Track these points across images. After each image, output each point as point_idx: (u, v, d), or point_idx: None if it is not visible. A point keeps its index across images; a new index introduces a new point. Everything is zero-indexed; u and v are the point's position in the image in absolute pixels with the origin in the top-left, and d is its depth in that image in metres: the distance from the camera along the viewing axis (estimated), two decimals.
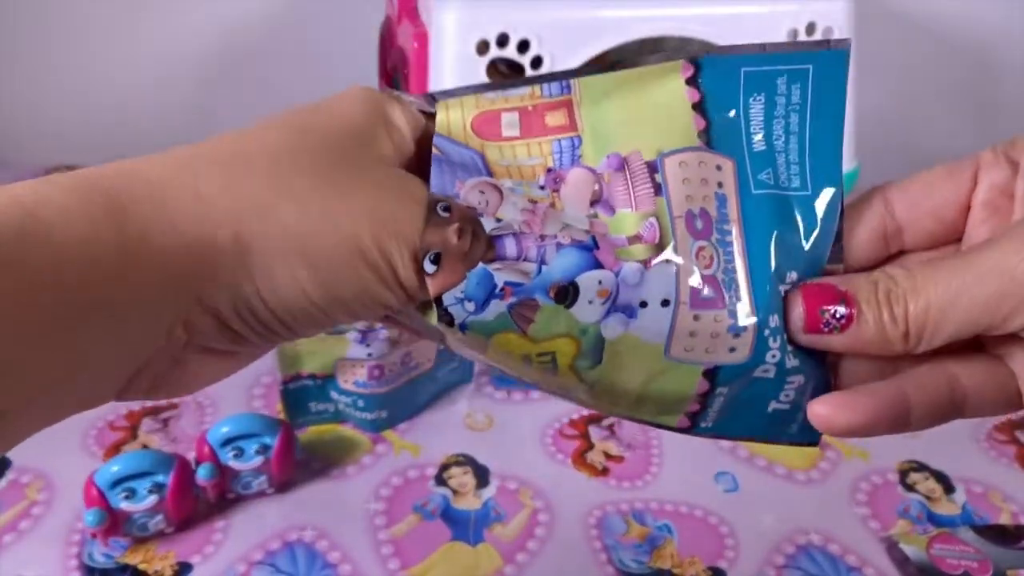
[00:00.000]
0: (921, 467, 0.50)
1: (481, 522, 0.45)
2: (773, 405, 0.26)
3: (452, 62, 0.50)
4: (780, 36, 0.54)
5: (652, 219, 0.25)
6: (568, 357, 0.25)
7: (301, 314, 0.22)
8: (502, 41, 0.50)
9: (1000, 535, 0.45)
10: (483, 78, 0.50)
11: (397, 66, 0.56)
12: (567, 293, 0.25)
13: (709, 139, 0.26)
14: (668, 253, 0.25)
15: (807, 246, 0.25)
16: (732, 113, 0.26)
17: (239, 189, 0.22)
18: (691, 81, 0.26)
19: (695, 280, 0.25)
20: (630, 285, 0.25)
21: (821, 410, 0.24)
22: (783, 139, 0.26)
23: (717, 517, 0.46)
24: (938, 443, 0.51)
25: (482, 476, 0.48)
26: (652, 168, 0.26)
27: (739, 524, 0.46)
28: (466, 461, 0.49)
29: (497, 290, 0.24)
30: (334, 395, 0.49)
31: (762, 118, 0.26)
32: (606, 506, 0.47)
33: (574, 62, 0.51)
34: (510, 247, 0.25)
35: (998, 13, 0.79)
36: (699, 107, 0.26)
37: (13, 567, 0.42)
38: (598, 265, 0.25)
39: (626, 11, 0.52)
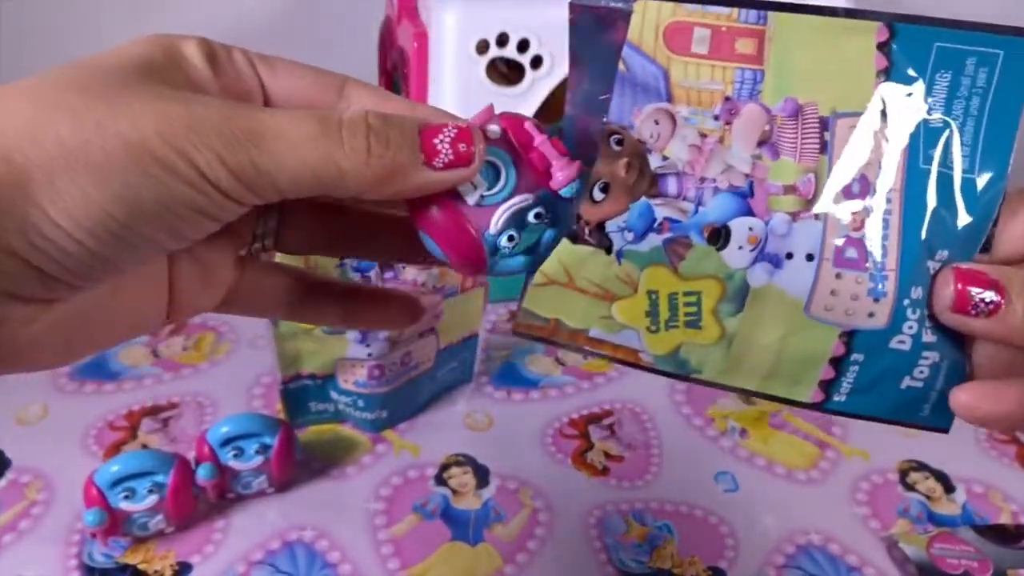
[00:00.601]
0: (921, 467, 0.50)
1: (481, 522, 0.45)
2: (906, 382, 0.26)
3: (452, 62, 0.50)
4: None
5: (811, 175, 0.26)
6: (713, 299, 0.27)
7: (105, 234, 0.20)
8: (502, 41, 0.50)
9: (1000, 535, 0.45)
10: (483, 78, 0.50)
11: (397, 66, 0.56)
12: (719, 235, 0.26)
13: (885, 108, 0.26)
14: (818, 208, 0.26)
15: (961, 228, 0.26)
16: (915, 85, 0.26)
17: (5, 116, 0.21)
18: (882, 47, 0.26)
19: (840, 239, 0.26)
20: (778, 235, 0.26)
21: (965, 397, 0.24)
22: (960, 120, 0.26)
23: (717, 517, 0.46)
24: (938, 443, 0.51)
25: (482, 476, 0.48)
26: (823, 125, 0.26)
27: (739, 524, 0.46)
28: (466, 461, 0.49)
29: (656, 224, 0.26)
30: (334, 395, 0.49)
31: (944, 96, 0.26)
32: (606, 506, 0.47)
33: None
34: (672, 186, 0.26)
35: (998, 13, 0.79)
36: (884, 74, 0.26)
37: (13, 567, 0.42)
38: (750, 213, 0.26)
39: None
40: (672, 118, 0.27)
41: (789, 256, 0.26)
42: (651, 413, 0.53)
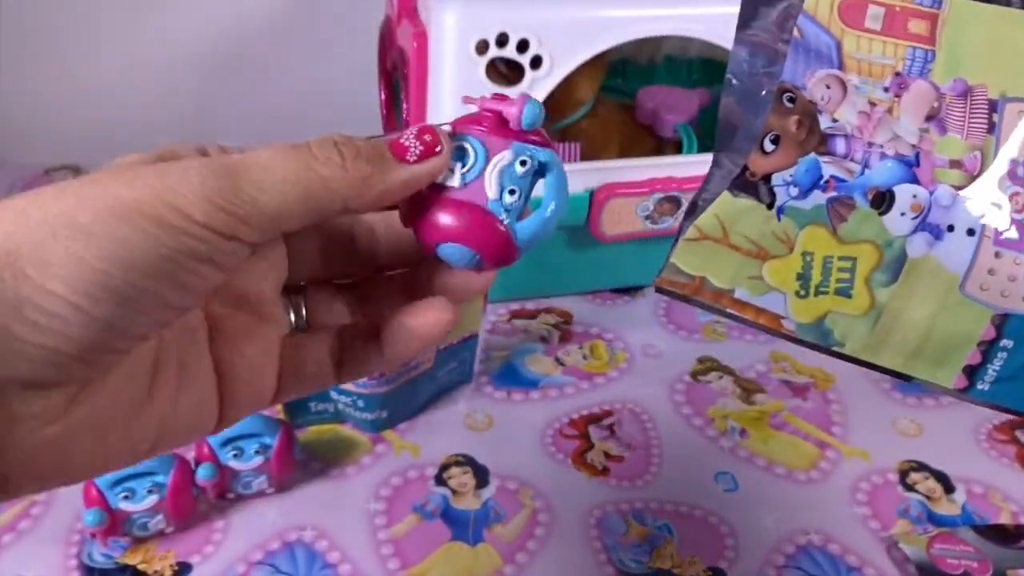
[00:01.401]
0: (921, 467, 0.50)
1: (481, 522, 0.45)
2: None
3: (452, 62, 0.50)
4: None
5: (977, 152, 0.26)
6: (868, 266, 0.27)
7: (103, 293, 0.19)
8: (502, 41, 0.50)
9: (1000, 535, 0.45)
10: (483, 78, 0.50)
11: (397, 66, 0.56)
12: (883, 199, 0.27)
13: None
14: (982, 186, 0.26)
15: None
16: None
17: None
18: None
19: (1002, 220, 0.26)
20: (942, 206, 0.26)
21: None
22: None
23: (717, 517, 0.46)
24: (938, 443, 0.52)
25: (482, 476, 0.48)
26: (992, 107, 0.27)
27: (739, 524, 0.46)
28: (466, 461, 0.49)
29: (822, 181, 0.27)
30: (334, 395, 0.49)
31: None
32: (606, 506, 0.47)
33: (574, 62, 0.51)
34: (840, 146, 0.27)
35: None
36: None
37: (13, 567, 0.42)
38: (915, 181, 0.27)
39: (626, 11, 0.52)
40: (843, 84, 0.28)
41: (950, 228, 0.26)
42: (651, 413, 0.53)
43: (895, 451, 0.51)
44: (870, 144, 0.27)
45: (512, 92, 0.50)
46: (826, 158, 0.27)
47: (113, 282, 0.20)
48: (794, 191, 0.27)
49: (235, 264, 0.22)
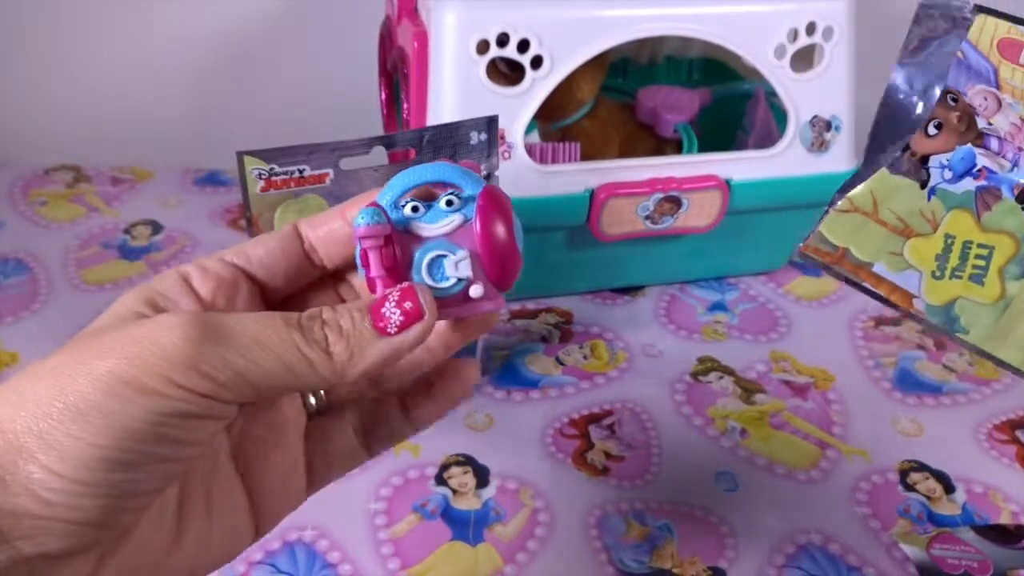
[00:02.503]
0: (921, 467, 0.50)
1: (481, 522, 0.45)
2: None
3: (452, 62, 0.50)
4: (780, 36, 0.54)
5: None
6: (1004, 257, 0.30)
7: (103, 464, 0.21)
8: (502, 41, 0.50)
9: (1000, 535, 0.45)
10: (483, 78, 0.50)
11: (397, 66, 0.56)
12: None
13: None
14: None
15: None
16: None
17: None
18: None
19: None
20: None
21: None
22: None
23: (717, 517, 0.46)
24: (938, 443, 0.52)
25: (482, 476, 0.48)
26: None
27: (739, 524, 0.46)
28: (466, 461, 0.49)
29: (975, 169, 0.30)
30: None
31: None
32: (606, 506, 0.47)
33: (574, 62, 0.51)
34: (994, 144, 0.31)
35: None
36: None
37: None
38: None
39: (626, 11, 0.52)
40: (998, 100, 0.31)
41: None
42: (651, 413, 0.53)
43: (895, 451, 0.51)
44: (1020, 148, 0.30)
45: (513, 92, 0.51)
46: (980, 150, 0.31)
47: (111, 454, 0.21)
48: (948, 174, 0.30)
49: (229, 415, 0.23)
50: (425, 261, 0.25)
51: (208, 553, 0.25)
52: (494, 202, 0.25)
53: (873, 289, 0.31)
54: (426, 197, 0.26)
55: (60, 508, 0.20)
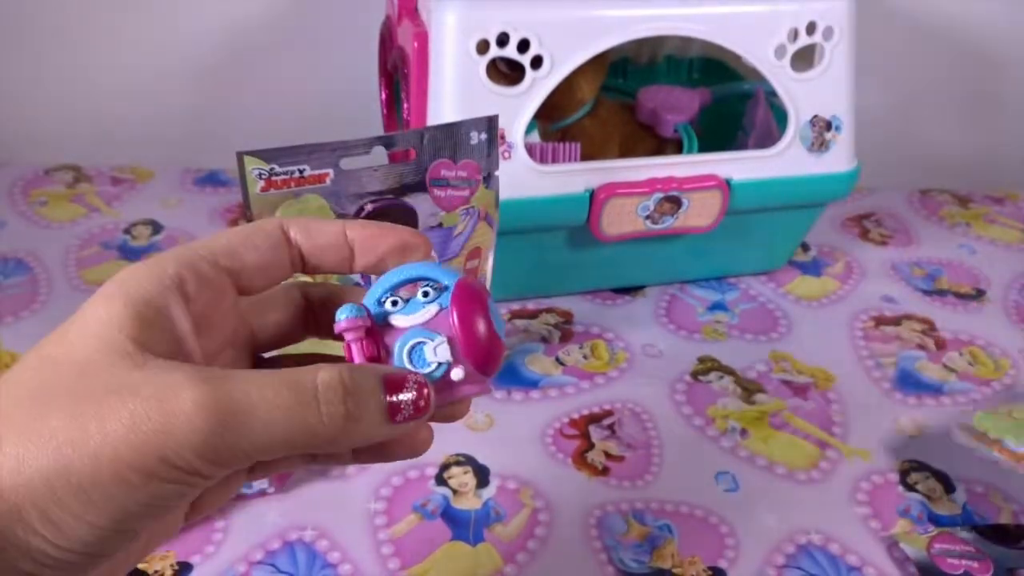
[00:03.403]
0: (921, 467, 0.50)
1: (481, 522, 0.45)
2: None
3: (452, 62, 0.50)
4: (780, 36, 0.54)
5: None
6: None
7: (99, 537, 0.22)
8: (502, 41, 0.50)
9: (1001, 535, 0.45)
10: (483, 78, 0.50)
11: (397, 66, 0.56)
12: None
13: None
14: None
15: None
16: None
17: None
18: None
19: None
20: None
21: None
22: None
23: (717, 517, 0.46)
24: (938, 443, 0.52)
25: (482, 476, 0.48)
26: None
27: (739, 524, 0.46)
28: (466, 461, 0.49)
29: None
30: None
31: None
32: (606, 506, 0.47)
33: (574, 62, 0.51)
34: None
35: (998, 13, 0.79)
36: None
37: None
38: None
39: (626, 11, 0.52)
40: None
41: None
42: (651, 413, 0.53)
43: (895, 451, 0.51)
44: None
45: (513, 92, 0.51)
46: None
47: (108, 531, 0.22)
48: None
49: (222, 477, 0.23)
50: (405, 349, 0.25)
51: (147, 545, 0.26)
52: (469, 289, 0.26)
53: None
54: (407, 295, 0.27)
55: (51, 571, 0.22)
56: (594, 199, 0.53)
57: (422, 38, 0.51)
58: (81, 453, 0.21)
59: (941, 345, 0.60)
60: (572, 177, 0.54)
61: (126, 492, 0.21)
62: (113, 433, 0.21)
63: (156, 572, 0.42)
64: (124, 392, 0.22)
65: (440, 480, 0.47)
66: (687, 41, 0.72)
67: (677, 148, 0.62)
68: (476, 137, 0.43)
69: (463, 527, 0.45)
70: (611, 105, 0.63)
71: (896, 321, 0.63)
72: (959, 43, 0.81)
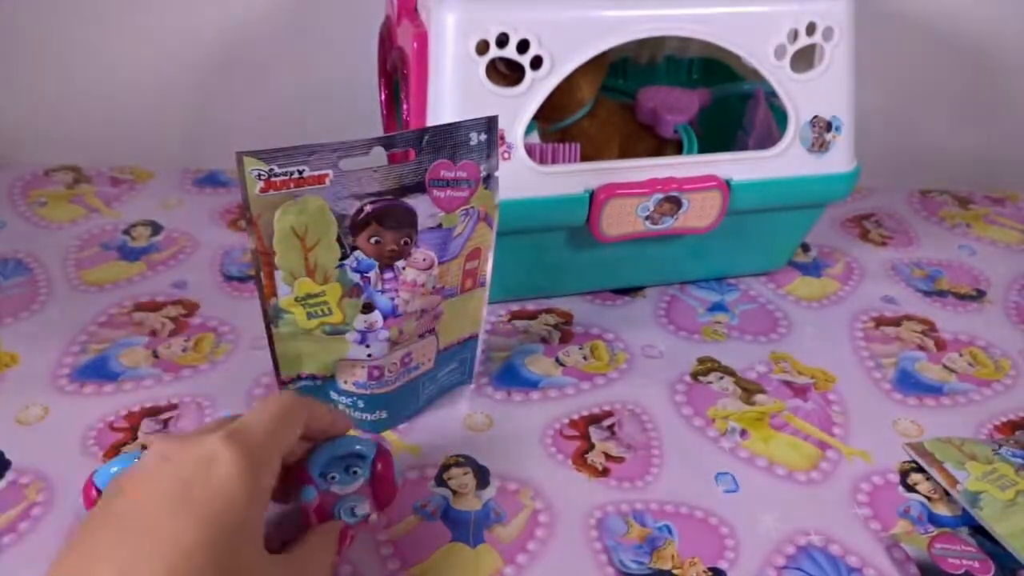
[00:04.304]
0: (922, 468, 0.50)
1: (481, 523, 0.45)
2: None
3: (452, 62, 0.50)
4: (780, 36, 0.54)
5: None
6: None
7: None
8: (502, 41, 0.50)
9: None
10: (483, 78, 0.50)
11: (397, 66, 0.56)
12: None
13: None
14: None
15: None
16: None
17: None
18: None
19: None
20: None
21: None
22: None
23: (717, 518, 0.46)
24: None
25: (482, 477, 0.48)
26: None
27: (739, 525, 0.46)
28: (466, 462, 0.49)
29: None
30: (334, 395, 0.49)
31: None
32: (606, 507, 0.47)
33: (574, 62, 0.51)
34: None
35: (998, 13, 0.79)
36: None
37: (13, 568, 0.42)
38: None
39: (626, 11, 0.52)
40: None
41: None
42: (651, 414, 0.53)
43: (896, 452, 0.51)
44: None
45: (513, 92, 0.50)
46: None
47: None
48: None
49: None
50: (342, 510, 0.40)
51: None
52: (383, 461, 0.42)
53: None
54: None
55: None
56: (594, 199, 0.53)
57: (422, 38, 0.51)
58: None
59: (941, 346, 0.60)
60: (572, 177, 0.54)
61: None
62: None
63: None
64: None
65: (440, 481, 0.47)
66: (687, 41, 0.72)
67: (677, 148, 0.62)
68: (475, 138, 0.43)
69: (463, 528, 0.45)
70: (611, 105, 0.63)
71: (896, 322, 0.63)
72: (959, 43, 0.81)
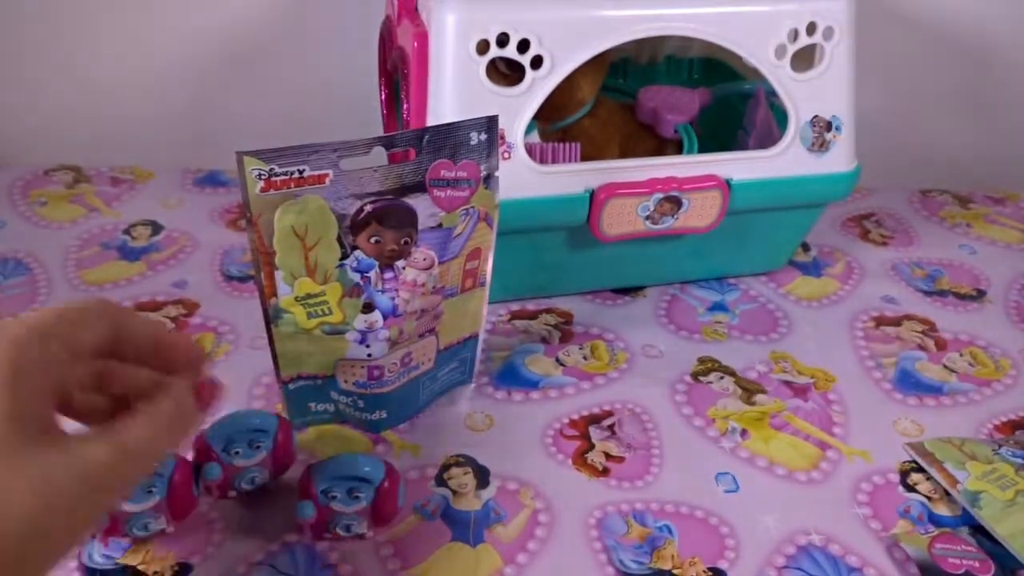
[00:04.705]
0: (922, 468, 0.50)
1: (481, 522, 0.45)
2: None
3: (452, 62, 0.50)
4: (780, 36, 0.54)
5: None
6: None
7: None
8: (502, 41, 0.50)
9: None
10: (483, 78, 0.50)
11: (397, 66, 0.56)
12: None
13: None
14: None
15: None
16: None
17: None
18: None
19: None
20: None
21: None
22: None
23: (718, 518, 0.46)
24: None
25: (482, 476, 0.48)
26: None
27: (740, 525, 0.46)
28: (466, 461, 0.49)
29: None
30: (334, 395, 0.49)
31: None
32: (606, 506, 0.47)
33: (575, 62, 0.51)
34: None
35: (998, 13, 0.79)
36: None
37: None
38: None
39: (626, 11, 0.52)
40: None
41: None
42: (652, 414, 0.53)
43: (896, 452, 0.51)
44: None
45: (513, 92, 0.50)
46: None
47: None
48: None
49: None
50: (338, 527, 0.43)
51: None
52: (389, 482, 0.43)
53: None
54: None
55: None
56: (594, 199, 0.53)
57: (422, 38, 0.51)
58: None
59: (941, 346, 0.60)
60: (572, 177, 0.54)
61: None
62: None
63: (156, 573, 0.42)
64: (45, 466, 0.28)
65: (440, 481, 0.47)
66: (687, 41, 0.72)
67: (677, 148, 0.62)
68: (476, 137, 0.43)
69: (463, 528, 0.45)
70: (611, 105, 0.63)
71: (896, 321, 0.63)
72: (959, 43, 0.81)
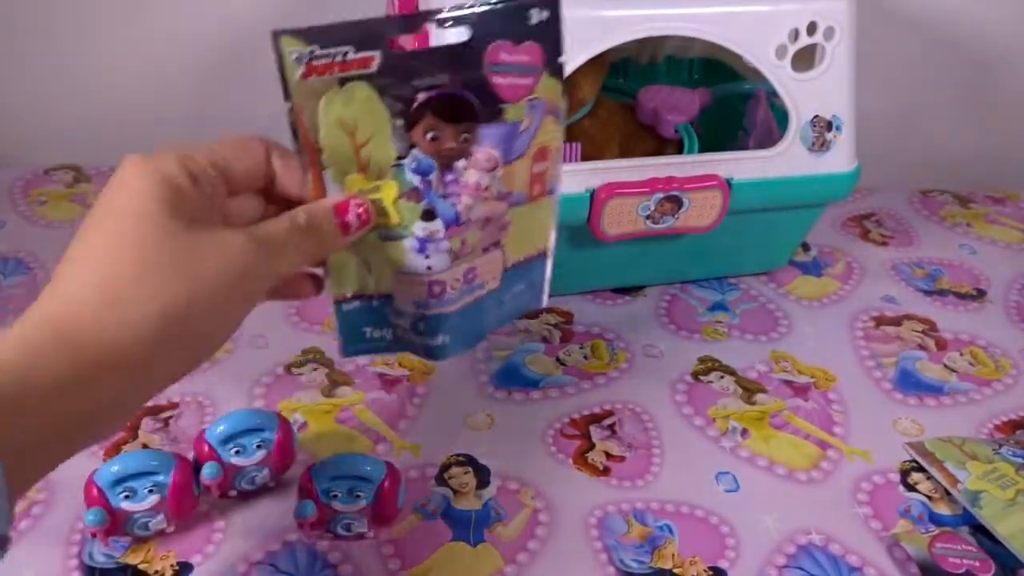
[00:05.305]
0: (922, 467, 0.50)
1: (482, 522, 0.45)
2: None
3: None
4: (781, 36, 0.54)
5: None
6: None
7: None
8: None
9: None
10: None
11: None
12: None
13: None
14: None
15: None
16: None
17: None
18: None
19: None
20: None
21: None
22: None
23: (718, 517, 0.46)
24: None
25: (483, 476, 0.48)
26: None
27: (740, 524, 0.46)
28: (466, 461, 0.49)
29: None
30: (392, 318, 0.42)
31: None
32: (607, 506, 0.47)
33: (574, 62, 0.51)
34: None
35: (998, 14, 0.79)
36: None
37: (13, 567, 0.42)
38: None
39: (627, 11, 0.52)
40: None
41: None
42: (652, 413, 0.53)
43: (896, 451, 0.51)
44: None
45: None
46: None
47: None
48: None
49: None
50: (339, 526, 0.43)
51: None
52: (390, 482, 0.43)
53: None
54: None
55: None
56: (594, 199, 0.53)
57: (422, 39, 0.51)
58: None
59: (942, 345, 0.60)
60: (572, 177, 0.54)
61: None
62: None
63: (156, 572, 0.42)
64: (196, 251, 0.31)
65: (440, 480, 0.47)
66: (688, 41, 0.72)
67: (677, 148, 0.62)
68: (536, 16, 0.36)
69: (463, 527, 0.45)
70: (611, 105, 0.63)
71: (897, 321, 0.63)
72: (959, 43, 0.81)
